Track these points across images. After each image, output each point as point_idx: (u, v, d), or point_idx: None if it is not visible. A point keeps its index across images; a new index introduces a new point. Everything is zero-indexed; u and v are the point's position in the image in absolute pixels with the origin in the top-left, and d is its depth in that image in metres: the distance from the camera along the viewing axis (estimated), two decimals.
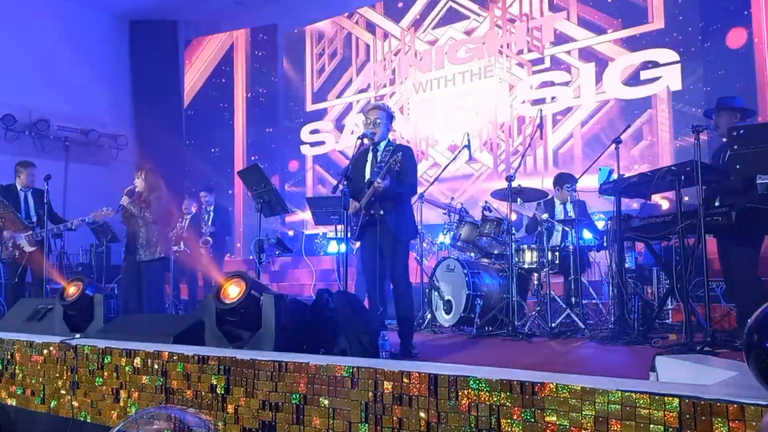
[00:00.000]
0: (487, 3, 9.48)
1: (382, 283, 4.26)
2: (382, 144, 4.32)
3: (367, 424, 2.46)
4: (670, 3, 8.01)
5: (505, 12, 9.30)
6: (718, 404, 1.78)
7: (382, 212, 4.13)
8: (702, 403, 1.80)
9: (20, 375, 3.92)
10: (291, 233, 10.50)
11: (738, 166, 3.61)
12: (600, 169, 5.51)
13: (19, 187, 6.55)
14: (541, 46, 8.97)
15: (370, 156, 4.37)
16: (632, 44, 8.25)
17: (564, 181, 6.21)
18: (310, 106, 11.37)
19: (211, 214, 8.35)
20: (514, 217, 5.71)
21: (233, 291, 3.50)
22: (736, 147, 3.57)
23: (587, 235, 5.99)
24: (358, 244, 4.52)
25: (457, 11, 9.77)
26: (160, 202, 5.94)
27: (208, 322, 3.56)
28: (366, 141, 4.32)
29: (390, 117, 4.38)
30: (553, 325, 5.17)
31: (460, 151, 6.43)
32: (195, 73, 12.38)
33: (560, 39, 8.82)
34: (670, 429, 1.85)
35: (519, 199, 5.83)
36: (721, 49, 7.55)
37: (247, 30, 11.98)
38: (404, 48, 10.30)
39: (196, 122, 12.19)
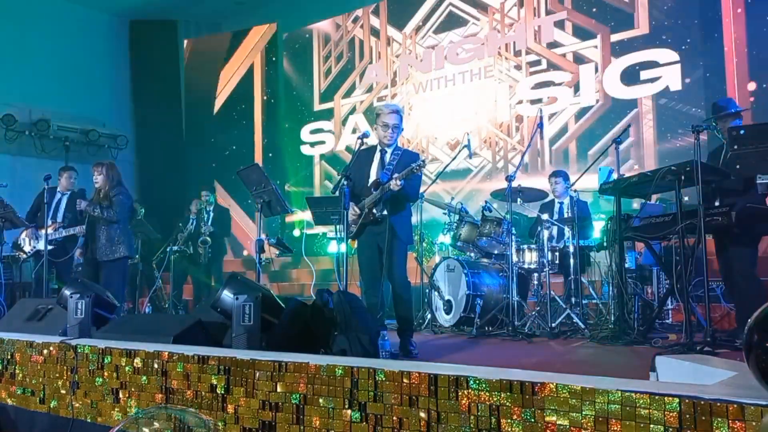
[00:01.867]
0: (486, 7, 9.48)
1: (382, 283, 4.26)
2: (391, 147, 4.34)
3: (367, 424, 2.45)
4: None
5: (503, 13, 9.31)
6: (718, 404, 1.78)
7: (385, 212, 4.14)
8: (702, 403, 1.80)
9: (20, 375, 3.92)
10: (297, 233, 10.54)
11: (738, 166, 3.61)
12: (600, 169, 5.52)
13: (58, 190, 6.68)
14: (540, 47, 8.98)
15: (377, 157, 4.36)
16: (632, 44, 8.26)
17: (550, 176, 6.32)
18: (311, 106, 11.37)
19: (211, 214, 8.37)
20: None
21: (220, 290, 3.56)
22: (736, 147, 3.58)
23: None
24: (354, 243, 4.51)
25: (458, 16, 9.78)
26: (121, 199, 5.84)
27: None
28: (366, 141, 4.32)
29: (402, 119, 4.41)
30: (553, 325, 5.17)
31: (459, 151, 6.44)
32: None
33: (560, 39, 8.82)
34: (670, 429, 1.84)
35: (519, 199, 5.84)
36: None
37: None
38: (405, 49, 10.30)
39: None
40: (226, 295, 3.47)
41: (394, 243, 4.17)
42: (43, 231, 6.22)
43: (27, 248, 6.36)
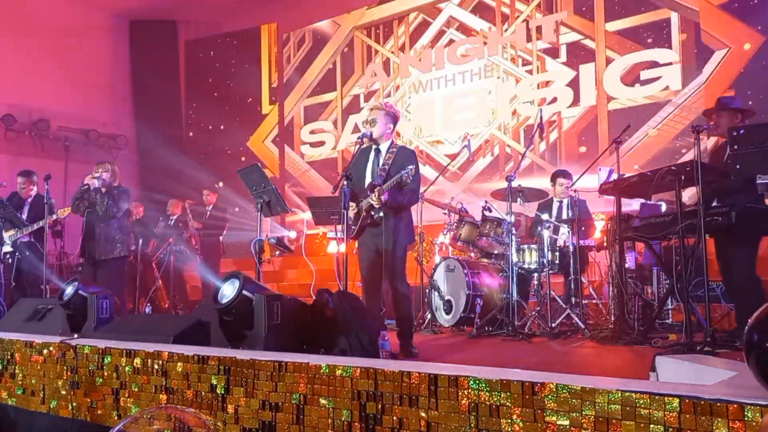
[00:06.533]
0: (486, 7, 9.49)
1: (381, 284, 4.26)
2: (385, 145, 4.30)
3: (366, 425, 2.45)
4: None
5: (503, 12, 9.32)
6: (718, 404, 1.78)
7: (381, 214, 4.13)
8: (702, 403, 1.80)
9: (20, 375, 3.92)
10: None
11: (738, 166, 3.61)
12: (600, 169, 5.52)
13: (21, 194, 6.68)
14: (540, 46, 8.98)
15: (371, 156, 4.35)
16: (632, 44, 8.26)
17: (557, 176, 6.27)
18: (311, 106, 11.38)
19: (208, 213, 8.42)
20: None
21: (228, 291, 3.51)
22: (736, 147, 3.58)
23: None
24: (355, 243, 4.51)
25: (458, 17, 9.79)
26: (122, 196, 5.85)
27: (213, 322, 3.58)
28: (365, 141, 4.31)
29: (392, 117, 4.33)
30: (553, 325, 5.17)
31: (460, 152, 6.43)
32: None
33: (560, 39, 8.82)
34: (670, 429, 1.84)
35: (519, 199, 5.84)
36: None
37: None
38: (404, 49, 10.30)
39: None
40: (246, 294, 3.43)
41: (391, 245, 4.16)
42: (8, 233, 6.25)
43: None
